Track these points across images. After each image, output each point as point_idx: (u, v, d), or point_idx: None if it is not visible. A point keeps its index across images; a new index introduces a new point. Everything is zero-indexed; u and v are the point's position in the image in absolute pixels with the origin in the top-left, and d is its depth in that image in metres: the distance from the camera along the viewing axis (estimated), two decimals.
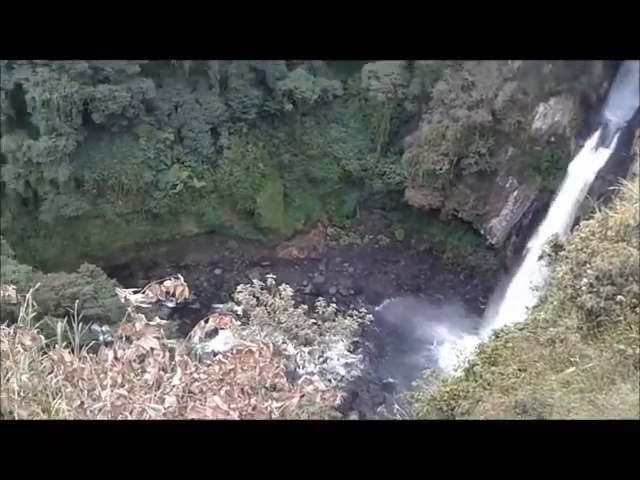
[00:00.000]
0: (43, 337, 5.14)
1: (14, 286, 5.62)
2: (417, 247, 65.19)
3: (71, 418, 4.55)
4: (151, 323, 4.74)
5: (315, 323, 17.66)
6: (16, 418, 4.43)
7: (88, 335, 5.79)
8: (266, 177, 63.43)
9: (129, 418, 4.43)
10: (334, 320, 17.79)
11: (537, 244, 46.76)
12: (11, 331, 5.04)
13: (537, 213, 57.65)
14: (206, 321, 5.05)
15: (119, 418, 4.44)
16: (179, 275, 5.04)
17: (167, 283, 4.90)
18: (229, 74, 59.38)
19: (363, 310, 17.88)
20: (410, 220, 64.82)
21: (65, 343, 5.19)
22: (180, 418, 4.55)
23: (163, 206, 58.87)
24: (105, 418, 4.45)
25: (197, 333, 5.02)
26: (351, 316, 17.79)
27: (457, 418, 11.37)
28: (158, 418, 4.43)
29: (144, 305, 4.78)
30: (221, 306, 51.33)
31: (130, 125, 55.68)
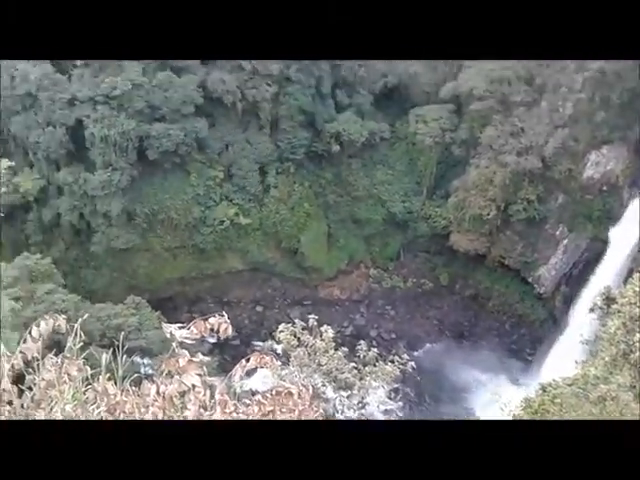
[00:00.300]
0: (89, 368, 5.22)
1: (64, 315, 5.76)
2: (462, 293, 64.01)
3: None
4: (194, 360, 4.76)
5: (355, 367, 17.37)
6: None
7: (130, 367, 5.85)
8: (311, 216, 64.03)
9: None
10: (375, 365, 17.45)
11: (588, 296, 45.26)
12: (58, 360, 5.12)
13: (588, 263, 55.90)
14: (247, 360, 5.03)
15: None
16: (224, 312, 5.06)
17: (212, 320, 4.93)
18: (279, 116, 60.94)
19: (405, 356, 17.45)
20: (455, 265, 63.92)
21: (108, 375, 5.25)
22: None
23: (209, 242, 59.98)
24: None
25: (238, 372, 5.00)
26: (392, 362, 17.39)
27: None
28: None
29: (188, 341, 4.81)
30: (261, 344, 51.36)
31: (182, 162, 57.48)
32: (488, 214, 57.63)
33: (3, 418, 4.62)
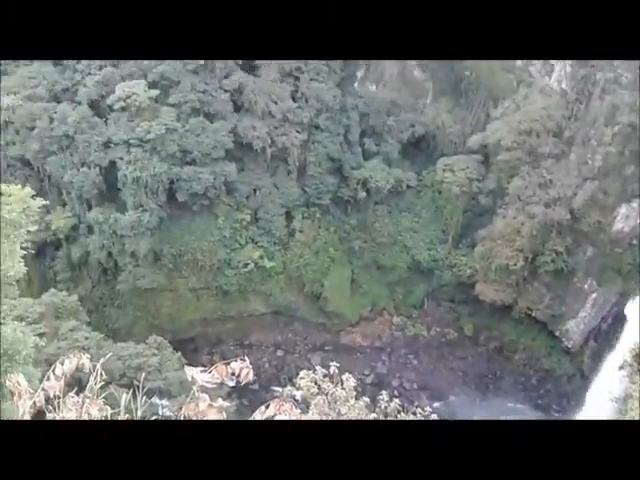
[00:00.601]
0: (109, 407, 5.20)
1: (88, 355, 5.79)
2: (487, 344, 62.69)
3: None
4: (214, 404, 4.71)
5: (376, 418, 16.90)
6: None
7: (148, 408, 5.81)
8: (335, 261, 64.02)
9: None
10: (396, 417, 16.99)
11: (618, 352, 43.92)
12: (79, 400, 5.12)
13: (618, 318, 54.48)
14: (267, 407, 4.96)
15: None
16: (245, 357, 5.04)
17: (233, 364, 4.90)
18: (307, 162, 61.92)
19: (428, 409, 16.96)
20: (480, 315, 62.84)
21: (127, 415, 5.23)
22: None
23: (233, 284, 60.21)
24: None
25: (256, 417, 4.93)
26: (415, 414, 16.92)
27: None
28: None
29: (209, 385, 4.78)
30: (280, 389, 50.65)
31: (210, 205, 58.42)
32: (515, 264, 56.90)
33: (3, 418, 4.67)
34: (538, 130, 56.86)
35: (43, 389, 4.97)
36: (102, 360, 5.52)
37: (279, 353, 62.76)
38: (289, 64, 58.82)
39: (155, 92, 53.45)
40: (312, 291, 63.12)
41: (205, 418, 4.67)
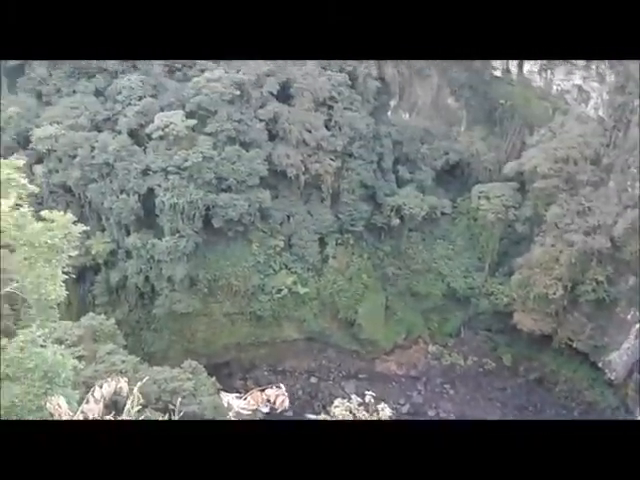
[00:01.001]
0: None
1: (125, 378, 5.86)
2: (526, 375, 61.02)
3: None
4: None
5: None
6: None
7: None
8: (369, 288, 63.65)
9: None
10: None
11: None
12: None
13: None
14: None
15: None
16: (281, 385, 5.03)
17: (269, 391, 4.89)
18: (341, 189, 62.30)
19: None
20: (519, 345, 61.33)
21: None
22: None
23: (267, 309, 60.36)
24: None
25: None
26: None
27: None
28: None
29: (244, 411, 4.78)
30: (314, 417, 50.04)
31: (245, 231, 59.09)
32: (554, 293, 55.56)
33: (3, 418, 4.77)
34: (575, 157, 55.99)
35: (82, 412, 5.04)
36: (139, 384, 5.58)
37: (313, 380, 62.28)
38: (323, 94, 59.69)
39: (192, 121, 54.77)
40: (346, 318, 62.75)
41: None
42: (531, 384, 60.33)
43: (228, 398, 4.75)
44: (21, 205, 16.98)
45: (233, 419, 4.70)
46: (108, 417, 5.28)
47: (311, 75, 59.84)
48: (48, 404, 5.25)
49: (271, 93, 58.80)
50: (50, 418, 5.09)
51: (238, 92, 56.20)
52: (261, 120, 57.99)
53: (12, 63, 58.63)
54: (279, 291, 59.77)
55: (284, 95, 59.76)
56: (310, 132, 58.83)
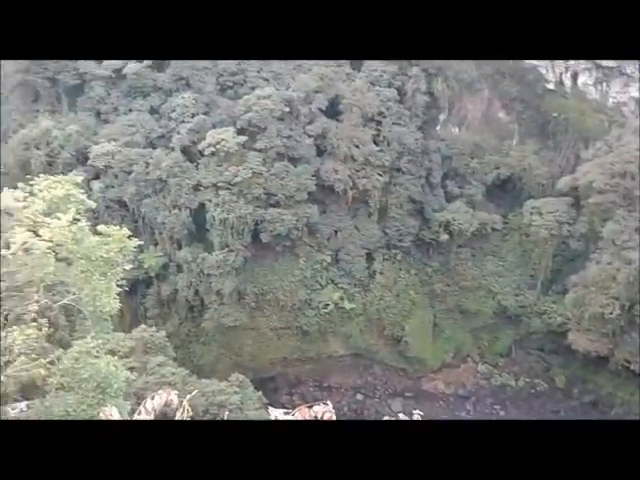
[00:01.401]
0: None
1: (175, 391, 5.97)
2: (580, 398, 58.71)
3: None
4: None
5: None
6: None
7: None
8: (416, 305, 62.82)
9: None
10: None
11: None
12: None
13: None
14: None
15: None
16: (328, 402, 5.02)
17: (316, 408, 4.90)
18: (389, 204, 62.00)
19: None
20: (573, 366, 59.14)
21: None
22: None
23: (313, 324, 60.38)
24: None
25: None
26: None
27: None
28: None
29: None
30: None
31: (292, 246, 59.51)
32: (611, 313, 53.40)
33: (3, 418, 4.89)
34: (633, 172, 54.00)
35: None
36: (188, 396, 5.68)
37: (359, 397, 61.73)
38: (372, 109, 59.78)
39: (243, 138, 55.81)
40: (392, 334, 62.05)
41: None
42: (585, 407, 57.97)
43: (276, 413, 4.78)
44: (79, 219, 17.59)
45: (233, 419, 4.79)
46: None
47: (360, 90, 60.10)
48: (101, 414, 5.40)
49: (320, 109, 59.34)
50: None
51: (287, 109, 56.98)
52: (310, 136, 58.53)
53: (73, 83, 61.33)
54: (326, 306, 59.75)
55: (333, 111, 60.20)
56: (358, 147, 58.96)
